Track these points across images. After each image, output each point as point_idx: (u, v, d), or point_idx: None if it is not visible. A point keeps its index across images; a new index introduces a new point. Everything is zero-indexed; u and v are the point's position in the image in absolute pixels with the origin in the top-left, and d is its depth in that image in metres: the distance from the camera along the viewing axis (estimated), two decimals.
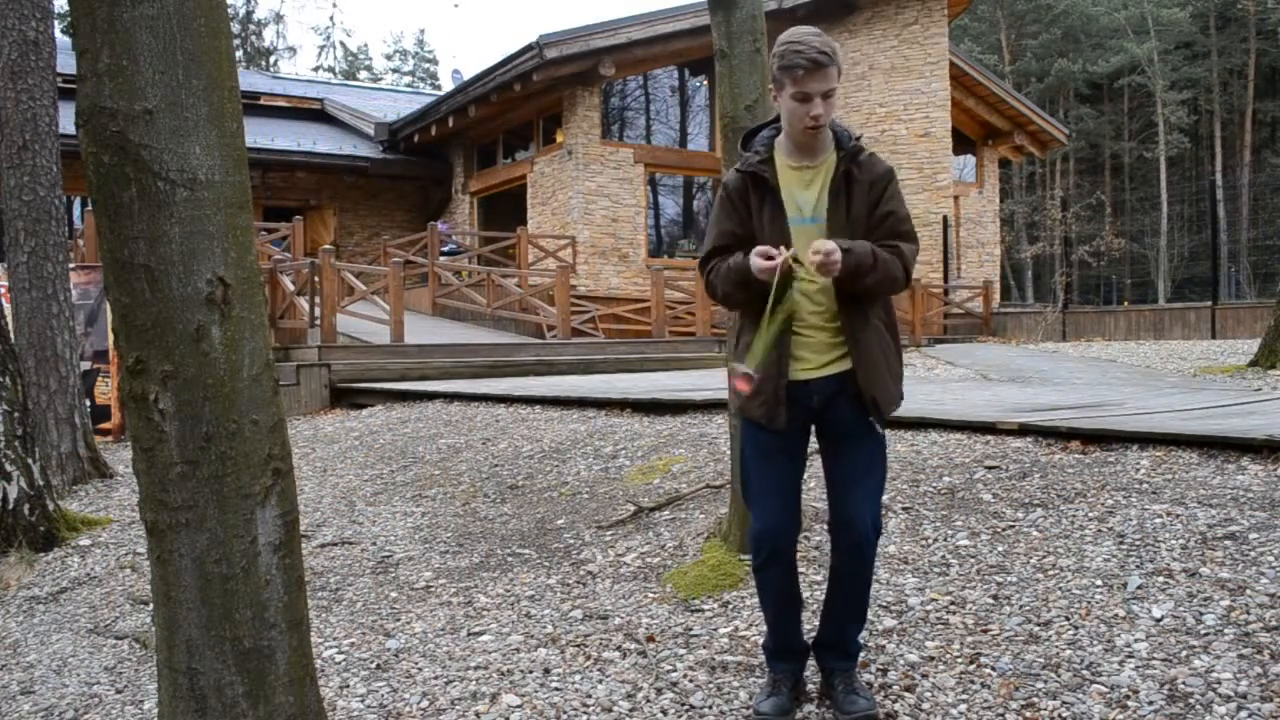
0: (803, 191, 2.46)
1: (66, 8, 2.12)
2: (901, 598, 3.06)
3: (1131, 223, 34.73)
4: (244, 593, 2.01)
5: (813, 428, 2.55)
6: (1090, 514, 3.41)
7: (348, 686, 3.03)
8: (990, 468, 4.09)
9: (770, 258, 2.34)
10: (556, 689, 2.80)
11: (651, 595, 3.44)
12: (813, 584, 3.20)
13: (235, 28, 45.95)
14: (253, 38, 49.89)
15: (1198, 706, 2.25)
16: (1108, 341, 14.42)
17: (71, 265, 7.55)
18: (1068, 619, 2.74)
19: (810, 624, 2.79)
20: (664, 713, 2.59)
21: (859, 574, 2.51)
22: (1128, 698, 2.33)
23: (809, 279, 2.43)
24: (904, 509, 3.76)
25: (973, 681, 2.52)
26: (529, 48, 14.65)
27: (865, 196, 2.44)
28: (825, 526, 2.79)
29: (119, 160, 1.90)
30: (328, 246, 11.63)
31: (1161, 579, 2.86)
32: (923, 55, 17.24)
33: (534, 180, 17.15)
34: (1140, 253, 35.19)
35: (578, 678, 2.86)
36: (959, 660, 2.63)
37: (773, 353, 2.44)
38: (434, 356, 10.41)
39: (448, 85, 31.83)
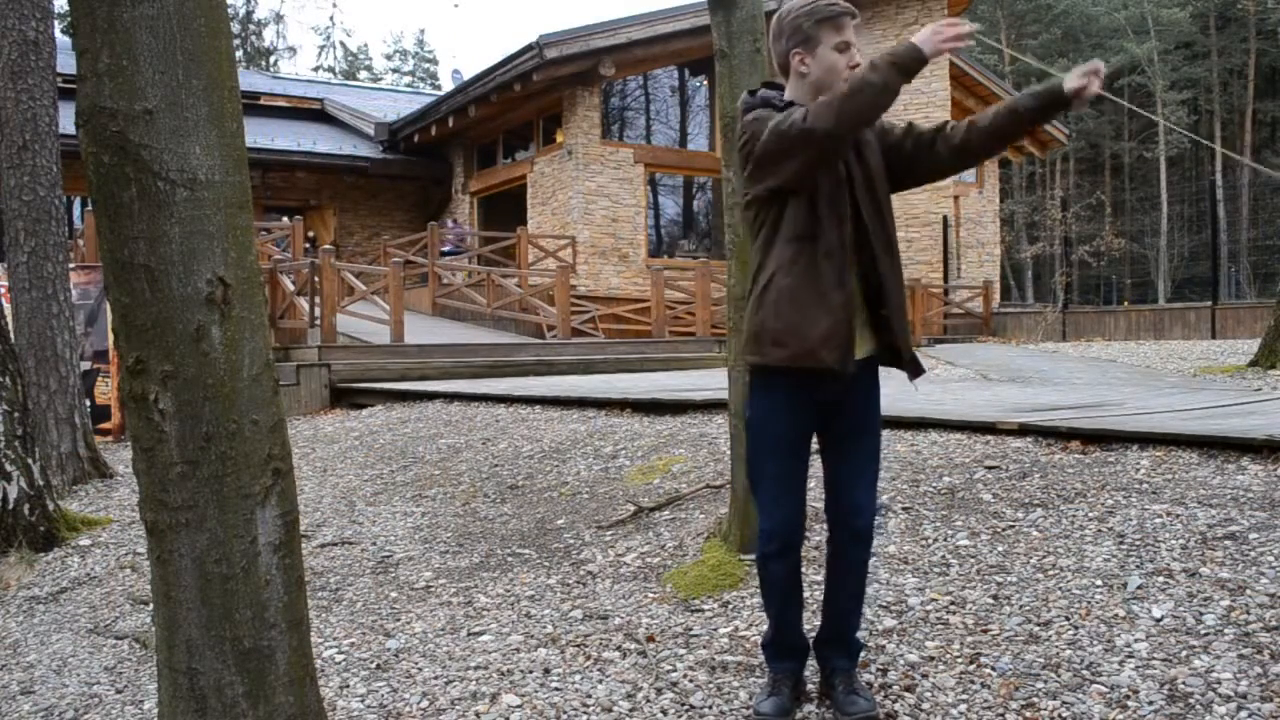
0: None
1: (66, 8, 2.12)
2: (901, 598, 3.06)
3: (1131, 223, 34.73)
4: (244, 593, 2.01)
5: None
6: (1090, 514, 3.41)
7: (348, 686, 3.03)
8: (990, 468, 4.09)
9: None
10: (556, 689, 2.80)
11: (651, 595, 3.44)
12: (812, 584, 3.20)
13: (235, 28, 45.94)
14: (253, 38, 49.89)
15: (1198, 706, 2.25)
16: (1108, 341, 14.41)
17: (71, 265, 7.55)
18: (1068, 619, 2.74)
19: (809, 624, 2.79)
20: (664, 713, 2.59)
21: (860, 563, 2.54)
22: (1128, 698, 2.33)
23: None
24: (904, 509, 3.76)
25: (973, 681, 2.52)
26: (529, 48, 14.65)
27: (874, 148, 2.47)
28: (824, 525, 2.78)
29: (119, 160, 1.90)
30: (327, 246, 11.62)
31: (1161, 579, 2.86)
32: None
33: (534, 180, 17.15)
34: (1140, 253, 35.19)
35: (578, 678, 2.86)
36: (959, 660, 2.63)
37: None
38: (434, 356, 10.41)
39: (448, 85, 31.82)
